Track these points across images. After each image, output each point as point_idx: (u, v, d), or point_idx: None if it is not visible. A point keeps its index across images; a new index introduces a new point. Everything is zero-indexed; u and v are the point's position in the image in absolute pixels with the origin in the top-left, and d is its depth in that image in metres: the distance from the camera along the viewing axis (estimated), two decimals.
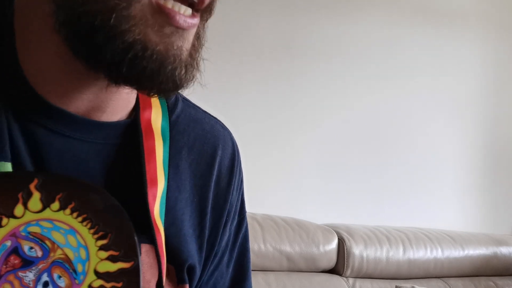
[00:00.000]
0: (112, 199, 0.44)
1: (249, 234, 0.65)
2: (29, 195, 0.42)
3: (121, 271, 0.43)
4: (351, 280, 1.80)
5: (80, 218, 0.43)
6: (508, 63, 2.39)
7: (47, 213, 0.42)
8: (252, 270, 0.65)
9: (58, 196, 0.42)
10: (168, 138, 0.54)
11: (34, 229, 0.41)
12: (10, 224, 0.41)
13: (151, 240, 0.49)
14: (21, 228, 0.41)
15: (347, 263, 1.78)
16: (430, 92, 2.24)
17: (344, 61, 2.11)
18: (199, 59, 0.45)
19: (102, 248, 0.43)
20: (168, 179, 0.53)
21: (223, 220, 0.59)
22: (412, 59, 2.21)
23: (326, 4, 2.09)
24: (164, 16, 0.41)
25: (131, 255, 0.43)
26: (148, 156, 0.50)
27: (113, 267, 0.43)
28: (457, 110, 2.29)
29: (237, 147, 0.62)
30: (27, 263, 0.41)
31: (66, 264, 0.42)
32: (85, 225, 0.43)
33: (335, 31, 2.10)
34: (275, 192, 1.99)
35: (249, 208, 0.68)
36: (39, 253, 0.41)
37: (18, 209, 0.41)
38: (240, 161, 0.63)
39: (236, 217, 0.63)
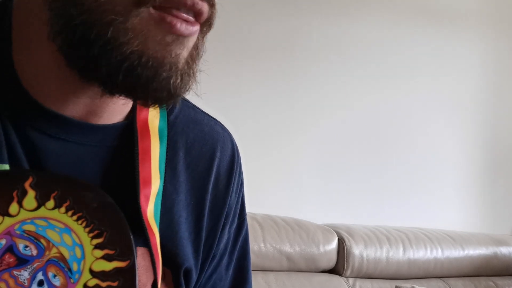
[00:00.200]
0: (108, 197, 0.44)
1: (249, 234, 0.64)
2: (24, 193, 0.42)
3: (116, 270, 0.42)
4: (351, 280, 1.80)
5: (75, 217, 0.42)
6: (508, 63, 2.39)
7: (42, 211, 0.42)
8: (252, 270, 0.64)
9: (53, 195, 0.42)
10: (166, 138, 0.53)
11: (29, 227, 0.41)
12: (5, 223, 0.41)
13: (146, 242, 0.48)
14: (16, 227, 0.41)
15: (347, 263, 1.77)
16: (430, 92, 2.24)
17: (344, 61, 2.11)
18: (196, 69, 0.45)
19: (97, 246, 0.42)
20: (165, 180, 0.52)
21: (221, 222, 0.58)
22: (412, 59, 2.21)
23: (326, 4, 2.08)
24: (166, 25, 0.41)
25: (127, 254, 0.43)
26: (142, 156, 0.50)
27: (108, 266, 0.42)
28: (457, 110, 2.29)
29: (237, 148, 0.61)
30: (22, 261, 0.41)
31: (61, 263, 0.41)
32: (80, 224, 0.42)
33: (335, 31, 2.09)
34: (275, 192, 1.99)
35: (249, 208, 0.67)
36: (34, 252, 0.41)
37: (13, 208, 0.41)
38: (240, 163, 0.62)
39: (236, 219, 0.62)
